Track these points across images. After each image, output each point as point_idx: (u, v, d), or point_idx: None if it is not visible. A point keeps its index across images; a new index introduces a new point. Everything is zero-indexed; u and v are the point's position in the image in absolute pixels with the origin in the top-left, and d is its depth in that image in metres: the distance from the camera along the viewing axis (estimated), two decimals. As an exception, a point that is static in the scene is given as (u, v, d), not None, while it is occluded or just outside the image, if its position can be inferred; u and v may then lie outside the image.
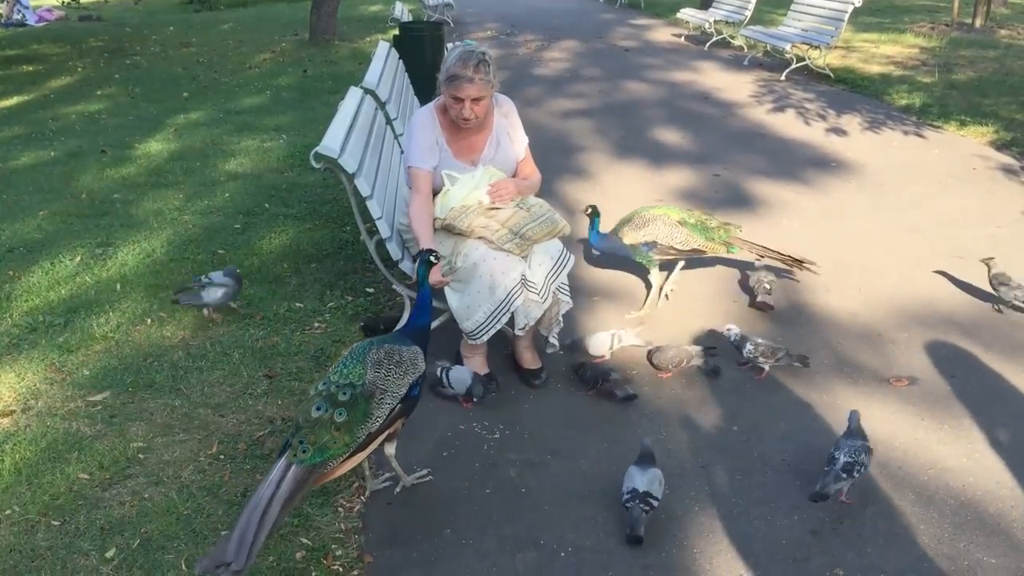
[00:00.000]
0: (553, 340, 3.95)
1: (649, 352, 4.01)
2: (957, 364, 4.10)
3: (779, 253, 4.76)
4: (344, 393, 2.73)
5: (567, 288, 3.92)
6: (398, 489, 3.20)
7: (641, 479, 2.97)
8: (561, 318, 3.93)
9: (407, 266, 3.96)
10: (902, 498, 3.16)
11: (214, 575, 2.35)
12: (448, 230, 3.74)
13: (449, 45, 10.20)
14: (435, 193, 3.84)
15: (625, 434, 3.58)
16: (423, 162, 3.79)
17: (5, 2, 20.10)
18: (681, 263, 4.70)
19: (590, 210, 4.58)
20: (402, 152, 3.82)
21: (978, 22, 15.41)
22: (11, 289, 4.94)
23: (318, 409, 2.69)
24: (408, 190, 3.89)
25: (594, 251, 4.83)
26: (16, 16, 20.81)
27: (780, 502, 3.15)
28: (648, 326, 4.41)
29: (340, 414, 2.68)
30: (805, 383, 3.94)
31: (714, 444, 3.51)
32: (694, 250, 4.51)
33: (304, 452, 2.60)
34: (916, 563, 2.85)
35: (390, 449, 3.05)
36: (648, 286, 4.70)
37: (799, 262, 4.76)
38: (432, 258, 3.33)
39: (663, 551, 2.92)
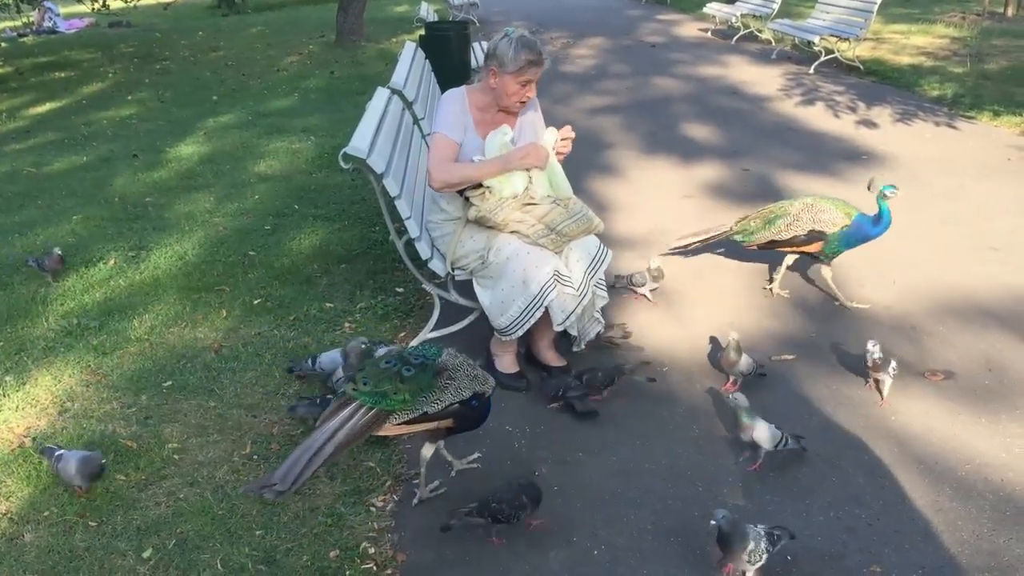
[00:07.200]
0: (580, 342, 3.92)
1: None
2: (994, 357, 4.04)
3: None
4: (416, 359, 2.83)
5: (603, 283, 3.91)
6: (416, 501, 3.16)
7: None
8: (601, 317, 3.93)
9: (436, 265, 3.96)
10: (939, 493, 3.12)
11: (258, 494, 2.51)
12: (481, 223, 3.73)
13: (475, 45, 10.24)
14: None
15: (657, 431, 3.57)
16: (451, 131, 3.72)
17: (36, 10, 20.38)
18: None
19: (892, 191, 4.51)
20: (430, 150, 3.80)
21: (1010, 11, 15.20)
22: (47, 293, 5.01)
23: (387, 363, 2.79)
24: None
25: (854, 237, 4.44)
26: (47, 24, 21.11)
27: (815, 498, 3.12)
28: (678, 320, 4.37)
29: (408, 371, 2.77)
30: (838, 377, 3.90)
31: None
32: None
33: (364, 385, 2.69)
34: (955, 559, 2.81)
35: (428, 451, 3.05)
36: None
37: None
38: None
39: (697, 548, 2.90)
